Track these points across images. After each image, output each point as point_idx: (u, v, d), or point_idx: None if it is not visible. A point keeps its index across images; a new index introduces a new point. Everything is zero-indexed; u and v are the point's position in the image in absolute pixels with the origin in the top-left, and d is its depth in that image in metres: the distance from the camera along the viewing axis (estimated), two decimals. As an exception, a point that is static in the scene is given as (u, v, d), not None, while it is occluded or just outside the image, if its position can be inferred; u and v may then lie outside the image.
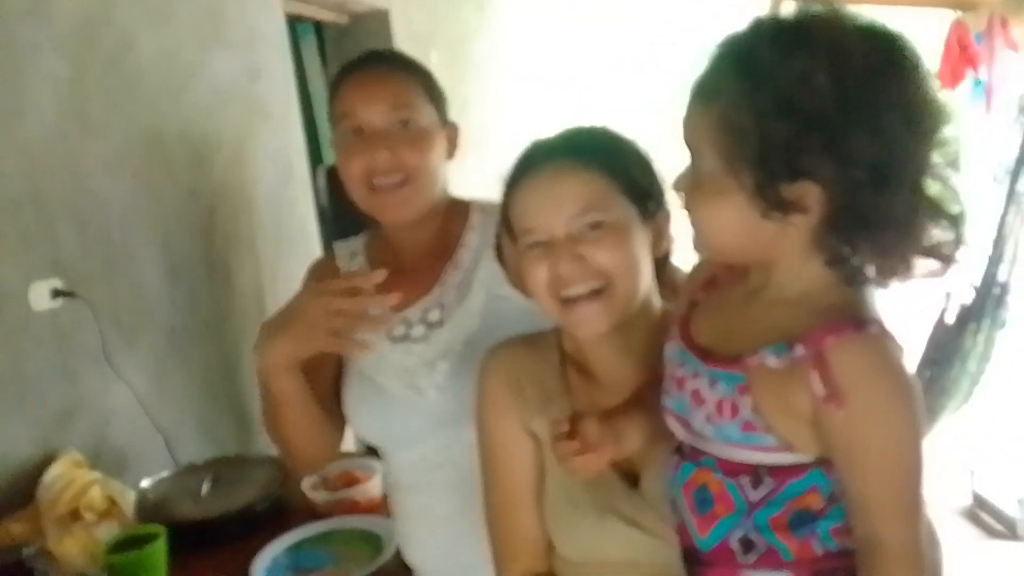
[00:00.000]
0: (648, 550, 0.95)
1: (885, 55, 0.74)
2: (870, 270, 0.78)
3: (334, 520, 1.53)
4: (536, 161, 1.01)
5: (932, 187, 0.76)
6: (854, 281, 0.79)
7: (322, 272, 1.36)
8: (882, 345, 0.76)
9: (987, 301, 2.53)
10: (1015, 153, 2.52)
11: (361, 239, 1.39)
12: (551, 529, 1.02)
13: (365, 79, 1.25)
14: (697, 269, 0.94)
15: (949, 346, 2.52)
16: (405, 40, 2.79)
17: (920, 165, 0.75)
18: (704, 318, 0.88)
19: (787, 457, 0.79)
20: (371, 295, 1.11)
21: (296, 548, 1.47)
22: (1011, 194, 2.50)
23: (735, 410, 0.79)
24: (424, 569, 1.30)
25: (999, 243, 2.52)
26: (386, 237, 1.32)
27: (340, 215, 2.10)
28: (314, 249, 2.22)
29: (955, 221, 0.76)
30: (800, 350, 0.75)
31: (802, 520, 0.80)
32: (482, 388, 1.07)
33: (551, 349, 1.08)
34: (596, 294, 0.96)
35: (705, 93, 0.78)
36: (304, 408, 1.20)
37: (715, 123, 0.76)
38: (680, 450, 0.87)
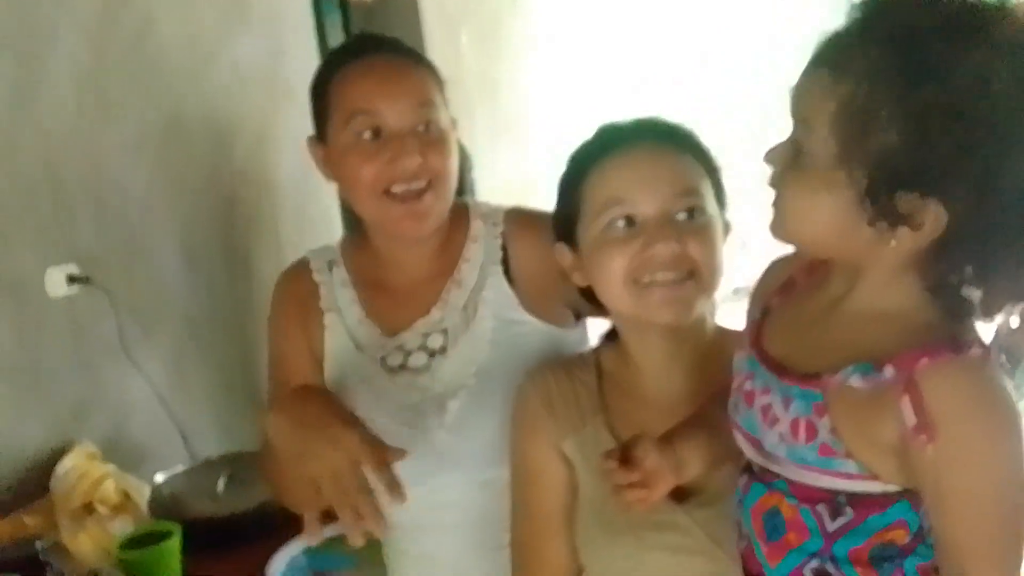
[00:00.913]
0: (696, 574, 0.89)
1: None
2: (975, 301, 0.69)
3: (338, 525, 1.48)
4: (626, 138, 0.95)
5: None
6: (957, 313, 0.69)
7: (296, 288, 1.21)
8: (984, 372, 0.67)
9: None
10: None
11: (336, 246, 1.24)
12: (583, 555, 0.96)
13: (385, 71, 1.10)
14: (771, 270, 0.86)
15: (1013, 350, 2.41)
16: (435, 18, 2.72)
17: None
18: (778, 327, 0.79)
19: (869, 486, 0.70)
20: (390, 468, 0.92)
21: (315, 549, 1.42)
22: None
23: (812, 431, 0.70)
24: None
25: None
26: (374, 248, 1.17)
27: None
28: (337, 236, 2.17)
29: None
30: (889, 372, 0.66)
31: (886, 555, 0.71)
32: (516, 411, 1.03)
33: (588, 369, 1.02)
34: (681, 282, 0.89)
35: (837, 62, 0.66)
36: None
37: (843, 101, 0.65)
38: (750, 468, 0.78)
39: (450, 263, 1.15)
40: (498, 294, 1.12)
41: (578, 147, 1.01)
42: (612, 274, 0.91)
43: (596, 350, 1.05)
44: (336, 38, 2.47)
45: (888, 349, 0.67)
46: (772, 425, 0.74)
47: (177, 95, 1.82)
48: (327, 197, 2.22)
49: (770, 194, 0.74)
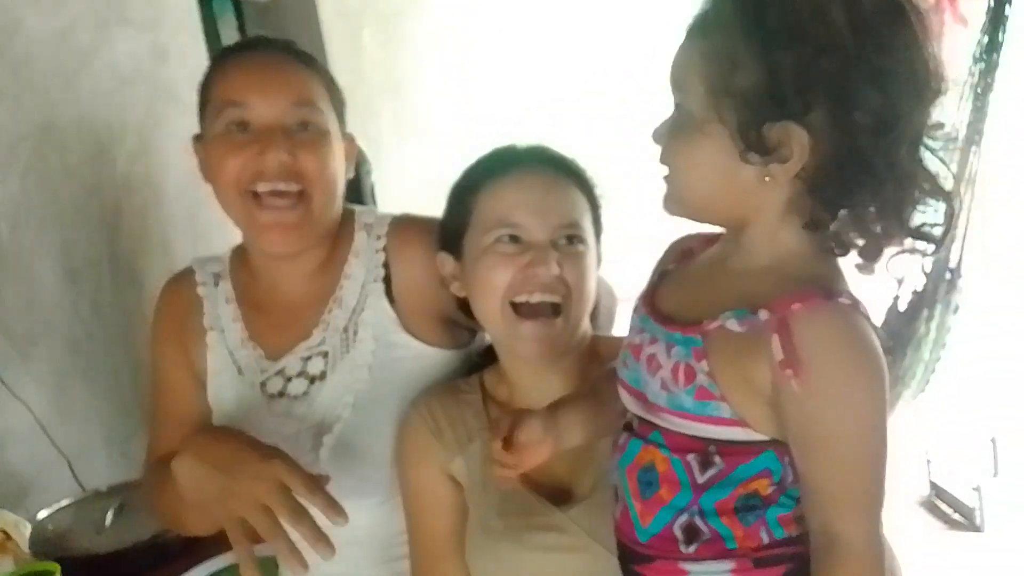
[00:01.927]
0: (577, 571, 0.90)
1: (898, 4, 0.70)
2: (850, 241, 0.73)
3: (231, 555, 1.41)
4: (522, 161, 0.99)
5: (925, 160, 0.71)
6: (832, 248, 0.73)
7: (177, 301, 1.16)
8: (852, 318, 0.71)
9: (939, 287, 2.50)
10: (964, 132, 2.47)
11: (226, 259, 1.19)
12: (470, 565, 0.97)
13: (262, 65, 1.07)
14: (673, 246, 0.89)
15: (902, 333, 2.49)
16: (333, 17, 2.63)
17: (918, 130, 0.70)
18: (672, 287, 0.83)
19: (739, 433, 0.73)
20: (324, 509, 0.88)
21: (213, 579, 1.36)
22: (958, 176, 2.46)
23: (690, 375, 0.73)
24: None
25: (947, 227, 2.48)
26: (257, 263, 1.12)
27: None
28: (234, 241, 2.08)
29: (947, 198, 0.72)
30: (764, 315, 0.70)
31: (750, 506, 0.75)
32: (401, 441, 1.03)
33: (473, 389, 1.04)
34: (555, 312, 0.93)
35: (699, 28, 0.74)
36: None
37: (706, 54, 0.72)
38: (630, 427, 0.81)
39: (332, 280, 1.10)
40: (378, 315, 1.08)
41: (475, 161, 1.04)
42: (492, 287, 0.94)
43: (479, 374, 1.06)
44: (230, 37, 2.38)
45: (766, 298, 0.71)
46: (655, 372, 0.77)
47: (49, 100, 1.70)
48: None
49: (661, 173, 0.78)
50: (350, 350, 1.08)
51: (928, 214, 0.75)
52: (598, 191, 1.02)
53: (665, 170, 0.78)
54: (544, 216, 0.95)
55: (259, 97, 1.03)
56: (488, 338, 1.09)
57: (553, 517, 0.92)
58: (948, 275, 2.52)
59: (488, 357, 1.08)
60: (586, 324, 1.00)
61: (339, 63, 2.45)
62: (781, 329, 0.69)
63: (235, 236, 2.15)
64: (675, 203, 0.78)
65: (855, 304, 0.72)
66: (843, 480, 0.71)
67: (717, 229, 0.83)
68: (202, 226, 2.03)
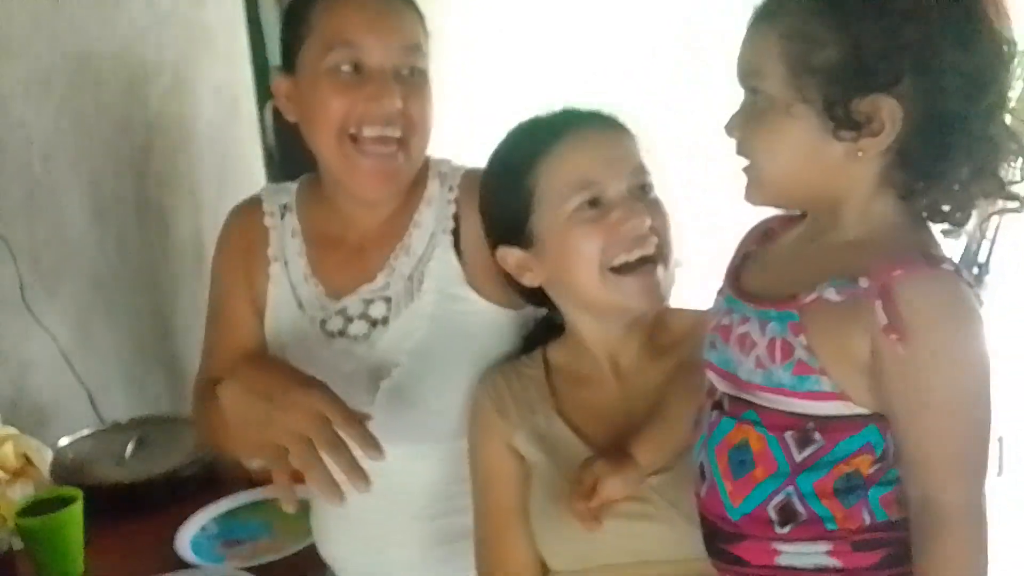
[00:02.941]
0: (659, 545, 0.90)
1: None
2: (944, 208, 0.74)
3: (270, 488, 1.43)
4: (569, 124, 0.96)
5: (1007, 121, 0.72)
6: (931, 216, 0.74)
7: (244, 229, 1.16)
8: (955, 283, 0.70)
9: None
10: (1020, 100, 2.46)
11: (293, 190, 1.17)
12: (539, 543, 0.97)
13: (374, 4, 1.02)
14: (753, 227, 0.88)
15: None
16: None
17: (1004, 91, 0.72)
18: (757, 267, 0.82)
19: (840, 407, 0.72)
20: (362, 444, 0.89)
21: (227, 517, 1.38)
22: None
23: (788, 351, 0.72)
24: (342, 567, 1.19)
25: (979, 223, 2.50)
26: (328, 200, 1.11)
27: (290, 158, 1.96)
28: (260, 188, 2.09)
29: None
30: (864, 283, 0.69)
31: (850, 486, 0.73)
32: (470, 416, 1.03)
33: (536, 365, 1.03)
34: (652, 265, 0.92)
35: (770, 11, 0.74)
36: None
37: (783, 33, 0.71)
38: (719, 406, 0.80)
39: (402, 226, 1.09)
40: (444, 266, 1.07)
41: (507, 145, 1.00)
42: (586, 259, 0.91)
43: (543, 347, 1.05)
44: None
45: (863, 268, 0.70)
46: (749, 351, 0.75)
47: (85, 33, 1.69)
48: (250, 151, 2.13)
49: (739, 165, 0.77)
50: (414, 298, 1.07)
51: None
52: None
53: (743, 161, 0.77)
54: (617, 167, 0.92)
55: (375, 39, 1.00)
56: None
57: (636, 488, 0.91)
58: (976, 270, 2.51)
59: (546, 329, 1.07)
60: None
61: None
62: (884, 295, 0.68)
63: (262, 182, 2.17)
64: (761, 191, 0.77)
65: (958, 270, 0.71)
66: (947, 446, 0.70)
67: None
68: (230, 170, 2.04)
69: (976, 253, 2.46)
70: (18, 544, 1.24)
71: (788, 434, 0.74)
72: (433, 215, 1.09)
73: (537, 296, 1.02)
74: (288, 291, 1.12)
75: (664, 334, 0.99)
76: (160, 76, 1.87)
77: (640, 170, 0.94)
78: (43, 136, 1.61)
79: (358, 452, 0.89)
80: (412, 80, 1.03)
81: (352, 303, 1.09)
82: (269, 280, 1.13)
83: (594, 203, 0.92)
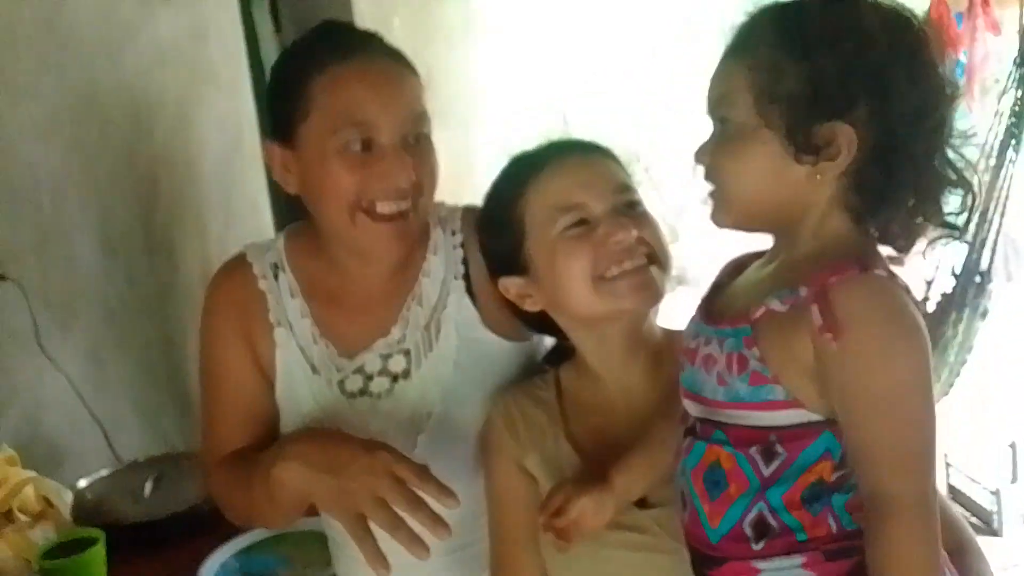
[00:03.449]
0: (660, 571, 0.91)
1: (915, 22, 0.77)
2: (892, 231, 0.79)
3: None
4: (552, 154, 0.99)
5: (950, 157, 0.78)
6: (881, 238, 0.79)
7: (237, 295, 1.10)
8: (887, 285, 0.76)
9: (968, 290, 2.53)
10: (996, 138, 2.50)
11: (280, 247, 1.12)
12: (549, 567, 0.98)
13: (382, 79, 1.00)
14: (727, 263, 0.92)
15: (929, 335, 2.51)
16: (365, 4, 2.65)
17: (947, 122, 0.77)
18: (725, 297, 0.86)
19: (796, 415, 0.76)
20: (434, 495, 0.89)
21: (246, 552, 1.39)
22: (992, 180, 2.49)
23: (743, 363, 0.77)
24: None
25: (980, 231, 2.53)
26: (329, 257, 1.08)
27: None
28: (265, 226, 2.11)
29: (970, 189, 0.78)
30: (803, 290, 0.75)
31: (816, 494, 0.77)
32: (482, 438, 1.05)
33: (548, 387, 1.05)
34: (644, 268, 0.93)
35: (740, 46, 0.79)
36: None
37: (751, 67, 0.77)
38: (692, 431, 0.83)
39: (410, 277, 1.08)
40: (461, 312, 1.07)
41: (497, 182, 1.03)
42: (577, 273, 0.93)
43: (555, 369, 1.07)
44: (263, 19, 2.39)
45: (805, 278, 0.75)
46: (711, 369, 0.80)
47: (91, 74, 1.72)
48: (254, 184, 2.15)
49: (705, 188, 0.82)
50: (433, 347, 1.07)
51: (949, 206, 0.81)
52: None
53: (709, 187, 0.82)
54: (597, 187, 0.95)
55: (385, 116, 0.98)
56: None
57: (635, 516, 0.93)
58: (978, 279, 2.54)
59: (559, 355, 1.08)
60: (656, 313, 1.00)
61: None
62: (819, 299, 0.73)
63: (264, 215, 2.19)
64: (726, 214, 0.82)
65: (892, 276, 0.77)
66: (889, 439, 0.73)
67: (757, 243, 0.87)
68: (236, 201, 2.06)
69: (977, 262, 2.49)
70: (42, 586, 1.26)
71: (753, 449, 0.78)
72: (442, 263, 1.09)
73: (544, 324, 1.04)
74: (298, 355, 1.09)
75: (669, 356, 0.99)
76: (164, 111, 1.90)
77: (623, 188, 0.97)
78: (52, 175, 1.63)
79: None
80: (419, 148, 1.02)
81: (369, 360, 1.07)
82: (276, 347, 1.09)
83: (580, 223, 0.94)
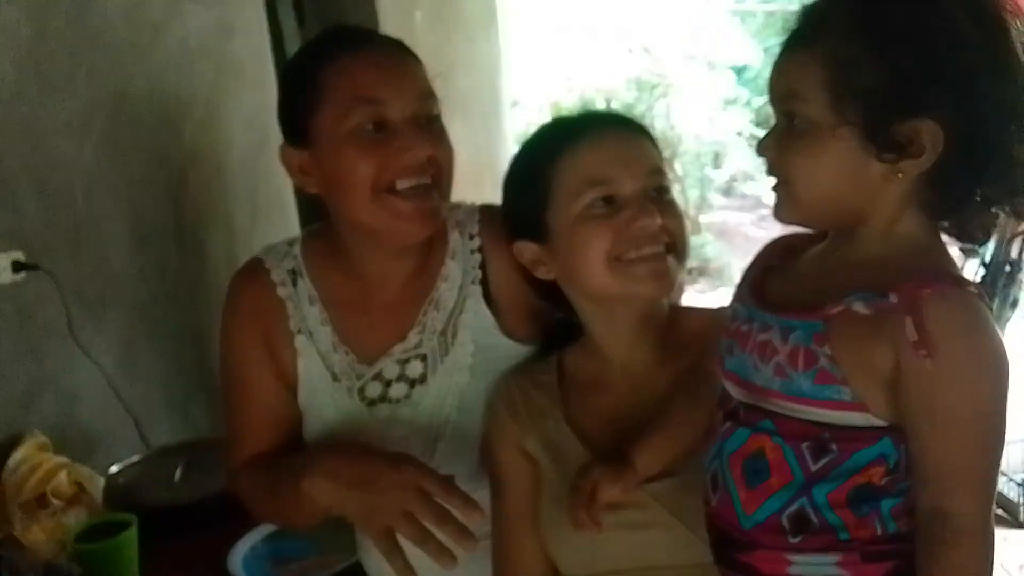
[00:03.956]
0: (664, 552, 0.91)
1: (1000, 3, 0.72)
2: (968, 227, 0.76)
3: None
4: (590, 124, 0.98)
5: None
6: (955, 234, 0.76)
7: (256, 302, 1.11)
8: (980, 305, 0.73)
9: (998, 279, 2.49)
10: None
11: (297, 252, 1.12)
12: (549, 548, 0.99)
13: (388, 61, 1.02)
14: (772, 243, 0.90)
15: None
16: (388, -2, 2.67)
17: None
18: (779, 280, 0.83)
19: (858, 418, 0.74)
20: (463, 510, 0.91)
21: (276, 536, 1.41)
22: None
23: (810, 359, 0.74)
24: None
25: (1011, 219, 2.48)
26: (348, 262, 1.08)
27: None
28: (291, 220, 2.14)
29: None
30: (894, 297, 0.71)
31: (863, 497, 0.75)
32: (487, 419, 1.05)
33: (550, 371, 1.04)
34: (662, 254, 0.93)
35: (808, 35, 0.74)
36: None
37: (823, 60, 0.72)
38: (734, 415, 0.81)
39: (428, 282, 1.08)
40: (478, 318, 1.08)
41: (530, 140, 1.02)
42: (595, 252, 0.92)
43: (559, 353, 1.06)
44: (287, 15, 2.41)
45: (889, 284, 0.72)
46: (769, 358, 0.76)
47: (122, 71, 1.75)
48: (280, 178, 2.17)
49: (769, 183, 0.79)
50: (449, 352, 1.07)
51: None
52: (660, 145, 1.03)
53: (773, 180, 0.79)
54: (631, 167, 0.93)
55: (393, 91, 0.99)
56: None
57: (633, 494, 0.91)
58: (1008, 268, 2.50)
59: (565, 331, 1.08)
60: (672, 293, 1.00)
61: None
62: (914, 311, 0.70)
63: (290, 210, 2.22)
64: (795, 210, 0.79)
65: (980, 293, 0.74)
66: (963, 460, 0.72)
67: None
68: (262, 196, 2.09)
69: (1008, 251, 2.45)
70: (76, 569, 1.27)
71: (804, 444, 0.75)
72: (459, 267, 1.08)
73: (555, 296, 1.03)
74: (319, 363, 1.09)
75: (677, 335, 1.00)
76: (193, 109, 1.93)
77: (657, 172, 0.95)
78: (85, 171, 1.67)
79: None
80: (433, 127, 1.02)
81: (387, 366, 1.08)
82: (297, 354, 1.10)
83: (607, 200, 0.93)
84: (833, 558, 0.76)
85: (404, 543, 0.94)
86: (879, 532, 0.75)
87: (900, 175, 0.73)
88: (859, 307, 0.72)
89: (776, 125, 0.78)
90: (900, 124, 0.71)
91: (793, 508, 0.76)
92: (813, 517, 0.75)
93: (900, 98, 0.70)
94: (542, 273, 1.00)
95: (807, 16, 0.76)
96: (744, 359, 0.80)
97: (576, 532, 0.90)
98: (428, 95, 1.03)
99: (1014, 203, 0.75)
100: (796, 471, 0.75)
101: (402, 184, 1.00)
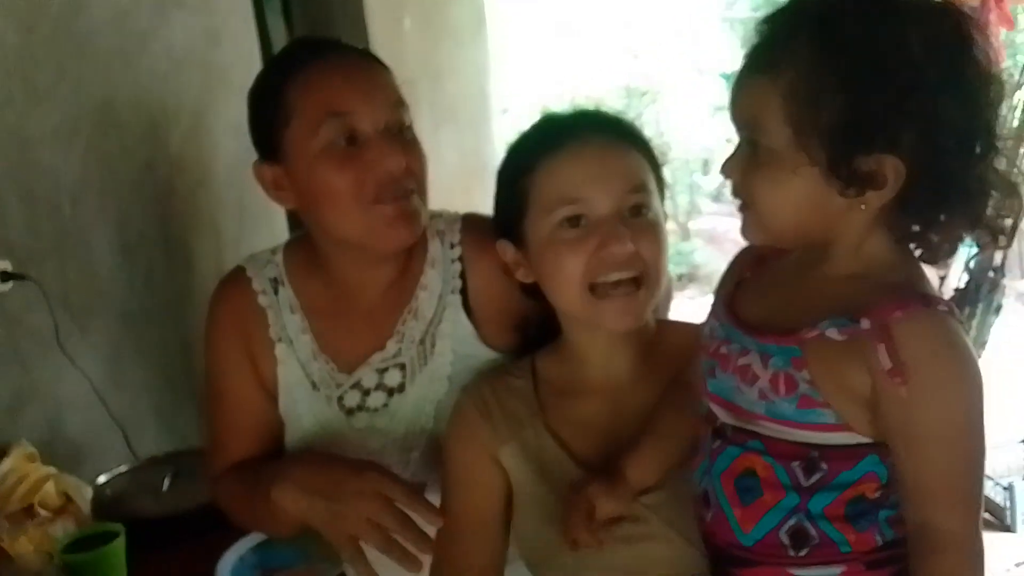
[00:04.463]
0: (656, 563, 0.91)
1: (961, 22, 0.72)
2: (934, 245, 0.77)
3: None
4: (573, 132, 0.94)
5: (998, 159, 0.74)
6: (921, 251, 0.77)
7: (237, 311, 1.11)
8: (950, 324, 0.73)
9: (982, 285, 2.52)
10: (1012, 130, 2.49)
11: (279, 261, 1.12)
12: (533, 563, 0.98)
13: (354, 69, 1.00)
14: (743, 252, 0.90)
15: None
16: (376, 4, 2.67)
17: (993, 134, 0.73)
18: (752, 295, 0.84)
19: (843, 437, 0.75)
20: (427, 516, 0.93)
21: (264, 546, 1.40)
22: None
23: (791, 385, 0.75)
24: None
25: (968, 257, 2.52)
26: (328, 270, 1.08)
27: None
28: (279, 229, 2.13)
29: (1016, 193, 0.75)
30: (865, 323, 0.72)
31: (860, 511, 0.76)
32: (452, 421, 1.03)
33: (524, 375, 1.03)
34: (634, 284, 0.91)
35: (771, 62, 0.73)
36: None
37: (785, 93, 0.72)
38: (721, 434, 0.81)
39: (407, 290, 1.08)
40: (457, 327, 1.08)
41: (519, 138, 1.00)
42: (568, 277, 0.91)
43: (531, 356, 1.05)
44: (275, 22, 2.41)
45: (860, 306, 0.73)
46: (751, 383, 0.77)
47: (109, 80, 1.75)
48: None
49: (734, 203, 0.79)
50: (428, 362, 1.07)
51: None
52: (656, 149, 1.00)
53: (738, 202, 0.80)
54: (606, 185, 0.91)
55: (362, 102, 0.98)
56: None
57: (630, 507, 0.91)
58: (991, 274, 2.53)
59: (539, 336, 1.06)
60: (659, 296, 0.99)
61: (381, 49, 2.48)
62: (885, 337, 0.71)
63: (278, 219, 2.21)
64: (761, 232, 0.79)
65: (951, 310, 0.74)
66: (946, 477, 0.73)
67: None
68: (249, 205, 2.09)
69: (991, 257, 2.49)
70: (63, 579, 1.28)
71: (794, 463, 0.76)
72: (439, 276, 1.08)
73: (537, 295, 1.01)
74: (299, 371, 1.10)
75: (660, 348, 0.99)
76: (179, 118, 1.92)
77: (636, 189, 0.92)
78: (71, 180, 1.67)
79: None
80: (406, 138, 1.01)
81: (366, 374, 1.08)
82: (277, 363, 1.10)
83: (578, 220, 0.91)
84: (836, 570, 0.77)
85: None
86: (880, 542, 0.77)
87: (863, 206, 0.74)
88: (832, 333, 0.73)
89: (739, 147, 0.78)
90: (863, 159, 0.71)
91: (792, 523, 0.77)
92: (812, 531, 0.77)
93: (863, 134, 0.71)
94: (521, 275, 0.99)
95: (769, 39, 0.75)
96: (726, 380, 0.80)
97: (567, 547, 0.89)
98: (398, 104, 1.02)
99: (976, 231, 0.76)
100: (788, 488, 0.77)
101: (384, 193, 0.99)
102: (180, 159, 1.92)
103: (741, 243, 0.89)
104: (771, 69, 0.73)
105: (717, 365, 0.81)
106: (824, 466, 0.75)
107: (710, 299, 0.89)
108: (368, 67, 1.03)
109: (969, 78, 0.72)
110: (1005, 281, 2.54)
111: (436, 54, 2.87)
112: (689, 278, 5.59)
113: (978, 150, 0.73)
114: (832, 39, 0.71)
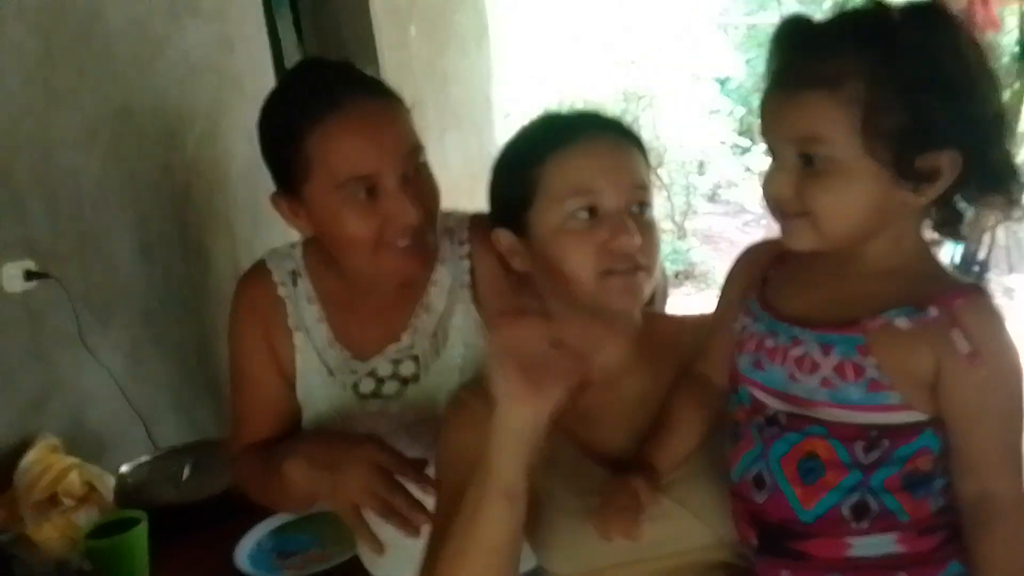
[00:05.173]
0: (670, 541, 0.92)
1: (969, 23, 0.79)
2: (961, 230, 0.83)
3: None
4: (583, 128, 0.96)
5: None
6: (945, 233, 0.83)
7: (258, 302, 1.16)
8: (998, 308, 0.80)
9: None
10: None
11: (298, 255, 1.17)
12: (543, 550, 0.97)
13: (374, 123, 1.01)
14: (755, 249, 0.94)
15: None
16: (382, 13, 2.73)
17: (1006, 121, 0.80)
18: (787, 292, 0.88)
19: (906, 416, 0.79)
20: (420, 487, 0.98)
21: (280, 531, 1.46)
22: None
23: (858, 371, 0.79)
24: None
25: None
26: (343, 267, 1.11)
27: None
28: (291, 229, 2.19)
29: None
30: (933, 311, 0.77)
31: (915, 483, 0.81)
32: (452, 407, 1.03)
33: None
34: (635, 271, 0.94)
35: (828, 76, 0.76)
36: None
37: (848, 103, 0.76)
38: (774, 422, 0.84)
39: (419, 286, 1.13)
40: (467, 320, 1.11)
41: (524, 133, 1.00)
42: (581, 265, 0.93)
43: None
44: (287, 29, 2.46)
45: (919, 295, 0.79)
46: (811, 372, 0.81)
47: (127, 85, 1.81)
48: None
49: (785, 218, 0.82)
50: (440, 354, 1.11)
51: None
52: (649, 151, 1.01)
53: (792, 215, 0.81)
54: (618, 179, 0.93)
55: (382, 161, 1.00)
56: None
57: (662, 505, 0.90)
58: (976, 268, 2.56)
59: None
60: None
61: (388, 57, 2.54)
62: (957, 323, 0.77)
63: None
64: (816, 239, 0.81)
65: (995, 298, 0.82)
66: (1002, 445, 0.80)
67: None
68: (263, 207, 2.12)
69: (976, 252, 2.53)
70: (88, 565, 1.32)
71: (856, 443, 0.80)
72: (449, 272, 1.12)
73: (529, 284, 1.01)
74: (315, 358, 1.14)
75: (651, 338, 1.02)
76: (195, 123, 1.98)
77: (642, 188, 0.95)
78: (92, 182, 1.73)
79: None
80: (420, 177, 1.04)
81: (381, 364, 1.12)
82: (295, 350, 1.15)
83: (590, 211, 0.92)
84: (892, 536, 0.81)
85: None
86: (934, 510, 0.82)
87: (923, 199, 0.79)
88: (901, 322, 0.78)
89: (784, 164, 0.80)
90: (924, 156, 0.76)
91: (854, 498, 0.81)
92: (873, 504, 0.81)
93: (925, 134, 0.76)
94: (517, 264, 1.00)
95: (820, 54, 0.78)
96: (777, 372, 0.84)
97: (584, 532, 0.89)
98: (416, 149, 1.04)
99: (999, 203, 0.81)
100: (851, 467, 0.81)
101: (397, 240, 1.03)
102: (196, 162, 1.97)
103: (735, 242, 0.91)
104: (830, 82, 0.76)
105: (764, 358, 0.85)
106: (885, 443, 0.80)
107: (705, 296, 0.92)
108: (385, 115, 1.04)
109: (992, 70, 0.78)
110: (990, 275, 2.56)
111: (441, 61, 2.92)
112: (685, 275, 5.64)
113: (1008, 132, 0.79)
114: (893, 48, 0.75)
